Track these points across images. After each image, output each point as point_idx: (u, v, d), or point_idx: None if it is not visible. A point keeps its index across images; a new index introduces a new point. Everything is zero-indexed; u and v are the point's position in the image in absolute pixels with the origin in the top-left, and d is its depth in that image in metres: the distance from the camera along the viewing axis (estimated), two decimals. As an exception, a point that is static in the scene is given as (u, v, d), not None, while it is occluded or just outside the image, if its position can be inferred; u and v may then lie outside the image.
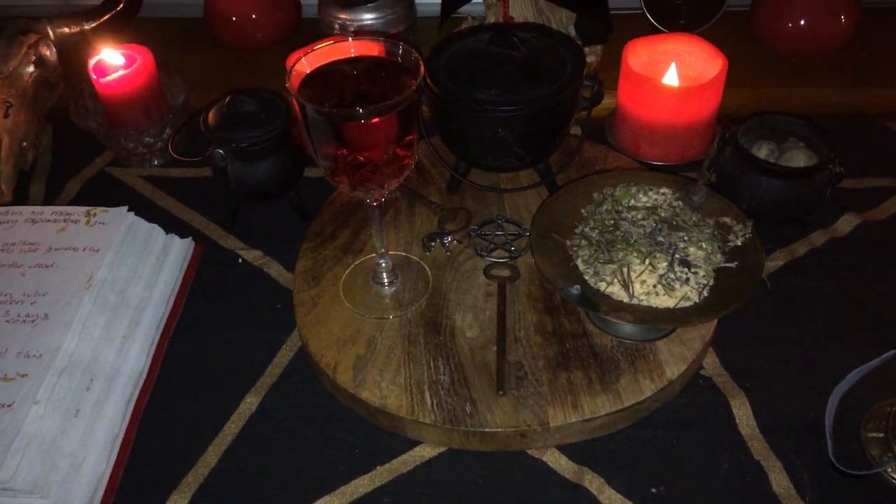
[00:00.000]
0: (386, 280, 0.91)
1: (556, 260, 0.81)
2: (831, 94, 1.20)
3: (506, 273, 0.92)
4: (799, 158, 0.91)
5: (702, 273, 0.79)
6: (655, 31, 1.27)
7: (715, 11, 1.24)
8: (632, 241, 0.80)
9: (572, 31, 1.22)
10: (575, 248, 0.83)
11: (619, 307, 0.76)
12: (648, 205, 0.85)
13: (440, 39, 0.98)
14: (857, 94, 1.20)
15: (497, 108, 0.88)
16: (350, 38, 0.78)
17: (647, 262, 0.78)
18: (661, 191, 0.87)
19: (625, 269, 0.78)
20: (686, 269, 0.78)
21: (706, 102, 1.04)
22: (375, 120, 0.72)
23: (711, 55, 1.06)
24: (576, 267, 0.81)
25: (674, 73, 1.06)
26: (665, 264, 0.78)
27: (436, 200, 1.02)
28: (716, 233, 0.82)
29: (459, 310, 0.89)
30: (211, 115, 0.99)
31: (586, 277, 0.80)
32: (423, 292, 0.91)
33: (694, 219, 0.83)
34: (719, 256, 0.81)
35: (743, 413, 0.81)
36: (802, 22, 1.22)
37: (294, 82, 0.74)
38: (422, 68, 0.74)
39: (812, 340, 0.87)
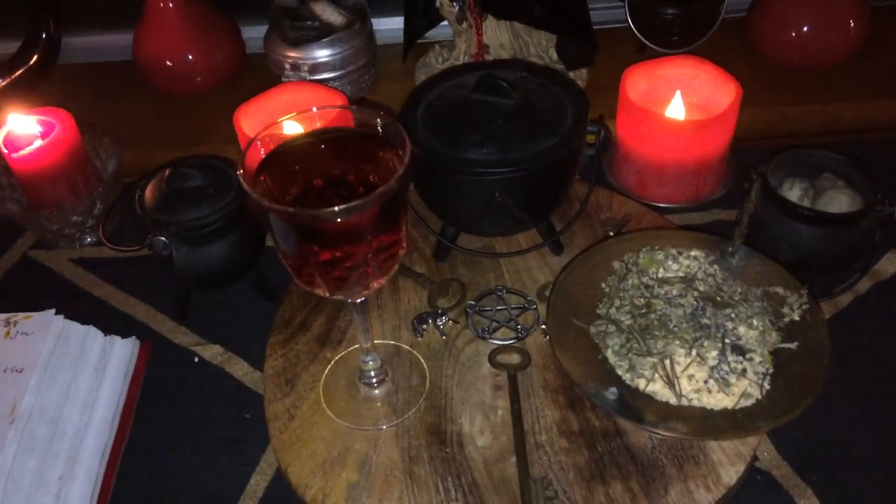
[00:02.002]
0: (375, 379, 0.77)
1: (582, 354, 0.68)
2: (843, 109, 1.09)
3: (515, 359, 0.78)
4: (840, 200, 0.79)
5: (758, 359, 0.66)
6: (644, 48, 1.14)
7: (710, 24, 1.11)
8: (671, 326, 0.67)
9: (553, 56, 1.09)
10: (601, 335, 0.69)
11: (667, 414, 0.63)
12: (681, 274, 0.72)
13: (414, 88, 0.83)
14: (873, 107, 1.08)
15: (493, 171, 0.74)
16: (315, 109, 0.63)
17: (694, 352, 0.65)
18: (692, 254, 0.74)
19: (668, 363, 0.65)
20: (741, 358, 0.65)
21: (719, 136, 0.91)
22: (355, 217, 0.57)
23: (720, 80, 0.93)
24: (605, 360, 0.68)
25: (679, 103, 0.93)
26: (715, 353, 0.65)
27: (422, 272, 0.88)
28: (766, 306, 0.69)
29: (465, 410, 0.75)
30: (148, 192, 0.83)
31: (619, 373, 0.67)
32: (420, 391, 0.76)
33: (739, 291, 0.70)
34: (774, 335, 0.68)
35: (813, 515, 0.69)
36: (806, 29, 1.10)
37: (248, 171, 0.59)
38: (408, 143, 0.60)
39: (879, 414, 0.75)
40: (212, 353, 0.85)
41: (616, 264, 0.74)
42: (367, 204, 0.56)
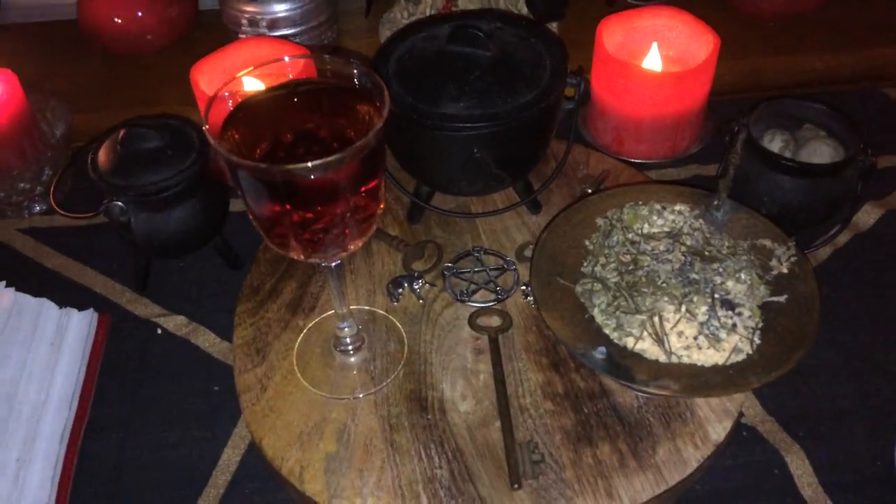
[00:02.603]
0: (351, 346, 0.73)
1: (568, 314, 0.65)
2: (816, 59, 1.07)
3: (496, 322, 0.75)
4: (823, 151, 0.77)
5: (747, 313, 0.64)
6: (613, 0, 1.11)
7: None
8: (659, 283, 0.64)
9: (523, 9, 1.05)
10: (587, 294, 0.67)
11: (657, 372, 0.61)
12: (667, 229, 0.70)
13: (384, 41, 0.79)
14: (847, 57, 1.07)
15: (472, 126, 0.70)
16: (287, 58, 0.59)
17: (684, 308, 0.63)
18: (677, 208, 0.72)
19: (657, 320, 0.63)
20: (730, 313, 0.63)
21: (697, 88, 0.88)
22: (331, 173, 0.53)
23: (698, 31, 0.90)
24: (592, 320, 0.65)
25: (656, 54, 0.91)
26: (705, 308, 0.63)
27: (396, 234, 0.84)
28: (754, 259, 0.67)
29: (446, 376, 0.72)
30: (101, 155, 0.78)
31: (607, 332, 0.64)
32: (399, 357, 0.73)
33: (726, 245, 0.68)
34: (763, 289, 0.66)
35: (801, 471, 0.68)
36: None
37: (213, 124, 0.54)
38: (386, 94, 0.56)
39: (862, 368, 0.74)
40: (175, 323, 0.81)
41: (599, 221, 0.72)
42: (344, 159, 0.53)
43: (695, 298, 0.64)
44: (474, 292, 0.78)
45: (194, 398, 0.75)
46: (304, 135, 0.59)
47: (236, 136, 0.57)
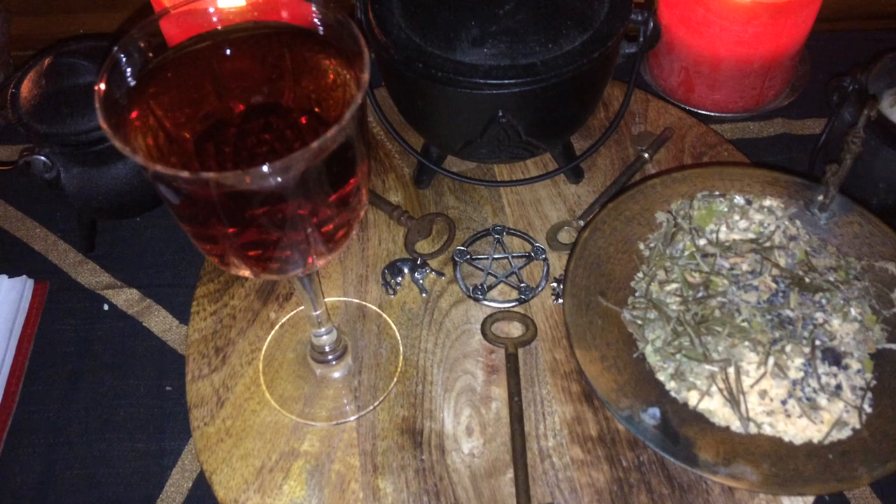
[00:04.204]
0: (330, 355, 0.58)
1: (611, 350, 0.49)
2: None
3: (516, 330, 0.59)
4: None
5: (856, 366, 0.47)
6: None
7: None
8: (739, 320, 0.47)
9: None
10: (639, 324, 0.50)
11: (730, 450, 0.45)
12: (751, 235, 0.52)
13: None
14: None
15: (496, 82, 0.52)
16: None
17: (771, 360, 0.46)
18: (766, 204, 0.54)
19: (731, 372, 0.46)
20: (834, 368, 0.46)
21: (798, 25, 0.68)
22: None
23: (805, -54, 0.69)
24: (643, 361, 0.49)
25: (747, -25, 0.70)
26: (801, 361, 0.46)
27: (398, 201, 0.67)
28: (868, 286, 0.50)
29: (449, 401, 0.57)
30: (24, 89, 0.61)
31: (661, 378, 0.48)
32: (391, 371, 0.58)
33: (833, 265, 0.50)
34: (878, 330, 0.49)
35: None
36: None
37: (114, 95, 0.37)
38: (366, 57, 0.38)
39: None
40: (126, 299, 0.66)
41: (661, 216, 0.54)
42: (298, 162, 0.35)
43: (787, 347, 0.47)
44: (491, 287, 0.62)
45: (141, 399, 0.61)
46: (260, 107, 0.42)
47: (156, 111, 0.40)
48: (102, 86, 0.36)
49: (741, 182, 0.55)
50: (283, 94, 0.43)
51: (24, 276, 0.66)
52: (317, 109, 0.42)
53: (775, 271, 0.49)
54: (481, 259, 0.63)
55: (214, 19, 0.41)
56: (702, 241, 0.52)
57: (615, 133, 0.69)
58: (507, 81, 0.52)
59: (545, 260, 0.62)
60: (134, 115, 0.39)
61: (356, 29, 0.39)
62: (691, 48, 0.70)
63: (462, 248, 0.63)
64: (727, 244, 0.51)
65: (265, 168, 0.34)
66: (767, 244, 0.51)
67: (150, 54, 0.39)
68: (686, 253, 0.51)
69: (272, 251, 0.41)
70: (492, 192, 0.67)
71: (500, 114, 0.54)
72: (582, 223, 0.63)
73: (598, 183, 0.67)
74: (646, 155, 0.67)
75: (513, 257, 0.63)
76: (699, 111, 0.73)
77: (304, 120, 0.43)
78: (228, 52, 0.42)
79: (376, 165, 0.70)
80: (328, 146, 0.36)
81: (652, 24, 0.57)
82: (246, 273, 0.43)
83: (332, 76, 0.41)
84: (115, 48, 0.37)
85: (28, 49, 0.84)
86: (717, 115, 0.73)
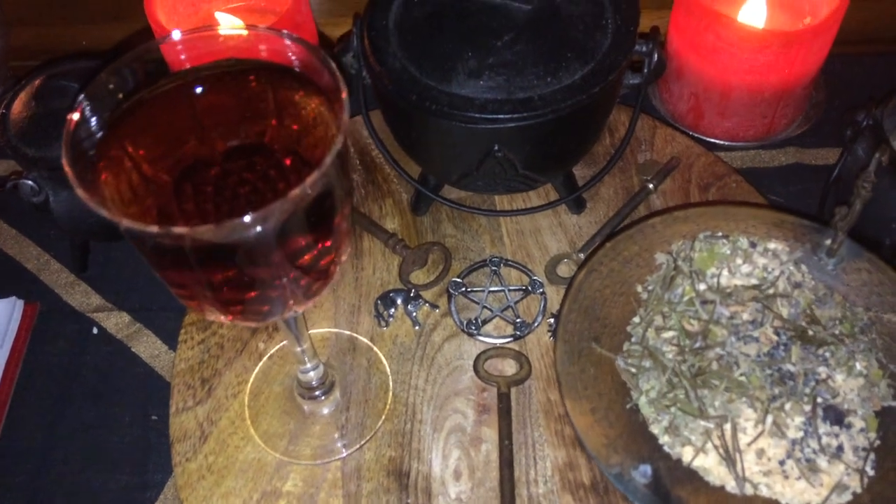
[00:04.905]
0: (317, 391, 0.56)
1: (603, 401, 0.47)
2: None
3: (510, 368, 0.58)
4: None
5: (859, 425, 0.45)
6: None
7: None
8: (737, 374, 0.45)
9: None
10: (633, 372, 0.48)
11: (724, 516, 0.43)
12: (754, 280, 0.50)
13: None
14: None
15: (492, 116, 0.50)
16: (175, 35, 0.39)
17: (770, 418, 0.44)
18: (771, 247, 0.51)
19: (728, 429, 0.44)
20: (836, 427, 0.44)
21: (812, 54, 0.66)
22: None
23: (822, -30, 0.66)
24: (636, 412, 0.47)
25: (761, 3, 0.67)
26: (801, 420, 0.44)
27: (394, 228, 0.65)
28: (875, 339, 0.48)
29: (438, 442, 0.55)
30: (14, 110, 0.59)
31: (655, 431, 0.46)
32: (380, 408, 0.57)
33: (840, 316, 0.48)
34: (884, 386, 0.47)
35: None
36: None
37: (79, 135, 0.36)
38: (344, 98, 0.36)
39: None
40: (116, 322, 0.65)
41: (661, 258, 0.52)
42: (283, 208, 0.34)
43: (787, 405, 0.44)
44: (486, 322, 0.60)
45: (127, 429, 0.60)
46: (238, 148, 0.40)
47: (131, 150, 0.39)
48: (69, 132, 0.35)
49: (746, 223, 0.53)
50: (265, 132, 0.42)
51: (14, 298, 0.66)
52: (299, 149, 0.40)
53: (777, 322, 0.47)
54: (477, 291, 0.61)
55: (185, 55, 0.39)
56: (702, 286, 0.50)
57: (620, 161, 0.67)
58: (502, 116, 0.50)
59: (542, 294, 0.60)
60: (107, 157, 0.38)
61: (334, 67, 0.37)
62: (701, 75, 0.68)
63: (458, 279, 0.62)
64: (728, 290, 0.49)
65: (241, 220, 0.32)
66: (770, 291, 0.49)
67: (120, 95, 0.38)
68: (685, 298, 0.49)
69: (249, 299, 0.39)
70: (490, 220, 0.65)
71: (497, 148, 0.52)
72: (582, 256, 0.61)
73: (601, 213, 0.65)
74: (651, 185, 0.65)
75: (509, 290, 0.61)
76: (708, 139, 0.71)
77: (287, 161, 0.42)
78: (207, 90, 0.41)
79: (373, 190, 0.68)
80: (307, 194, 0.35)
81: (656, 56, 0.55)
82: (222, 320, 0.41)
83: (313, 115, 0.40)
84: (82, 95, 0.36)
85: (29, 59, 0.83)
86: (727, 143, 0.71)
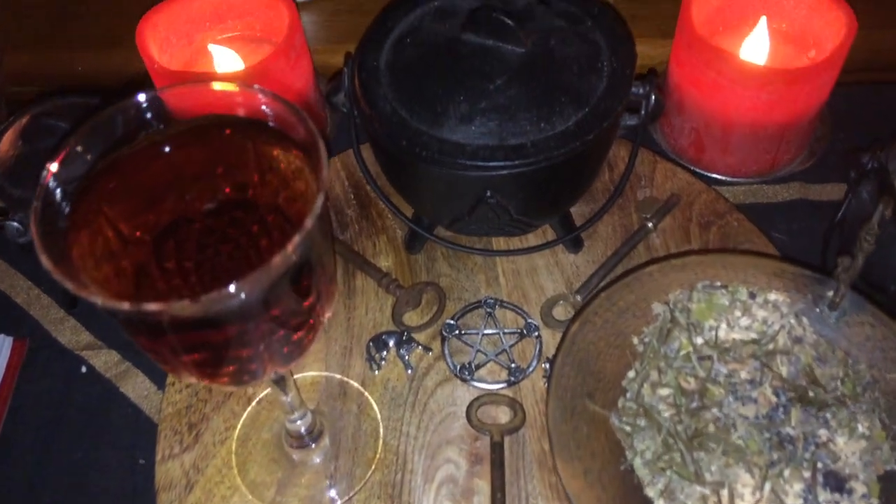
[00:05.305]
0: (305, 440, 0.55)
1: (596, 462, 0.45)
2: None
3: (504, 416, 0.56)
4: None
5: (860, 491, 0.43)
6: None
7: None
8: (734, 437, 0.44)
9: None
10: (628, 431, 0.46)
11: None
12: (754, 335, 0.48)
13: (383, 9, 0.56)
14: None
15: (484, 164, 0.49)
16: (140, 98, 0.38)
17: (768, 485, 0.42)
18: (771, 298, 0.50)
19: (724, 495, 0.43)
20: (837, 495, 0.43)
21: (816, 91, 0.64)
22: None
23: (824, 1, 0.65)
24: (631, 473, 0.45)
25: (763, 33, 0.66)
26: (800, 487, 0.43)
27: (388, 266, 0.64)
28: (879, 397, 0.46)
29: (429, 493, 0.54)
30: (1, 149, 0.58)
31: (650, 494, 0.45)
32: (370, 457, 0.55)
33: (842, 375, 0.46)
34: (887, 449, 0.45)
35: None
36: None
37: (38, 222, 0.35)
38: (322, 158, 0.35)
39: None
40: (105, 360, 0.64)
41: (658, 308, 0.50)
42: (261, 279, 0.33)
43: (786, 471, 0.43)
44: (480, 366, 0.59)
45: (114, 472, 0.59)
46: (220, 204, 0.39)
47: (109, 215, 0.38)
48: (39, 198, 0.34)
49: (745, 272, 0.51)
50: (246, 188, 0.41)
51: (2, 335, 0.65)
52: (281, 204, 0.39)
53: (776, 382, 0.46)
54: (471, 334, 0.60)
55: (155, 113, 0.38)
56: (699, 340, 0.48)
57: (619, 198, 0.65)
58: (494, 164, 0.48)
59: (538, 338, 0.59)
60: (83, 220, 0.37)
61: (312, 127, 0.36)
62: (702, 110, 0.66)
63: (451, 321, 0.60)
64: (726, 345, 0.48)
65: (219, 293, 0.31)
66: (770, 347, 0.47)
67: (94, 156, 0.37)
68: (682, 353, 0.48)
69: (225, 365, 0.38)
70: (486, 259, 0.64)
71: (489, 194, 0.50)
72: (579, 298, 0.60)
73: (599, 252, 0.63)
74: (650, 224, 0.64)
75: (504, 333, 0.60)
76: (710, 174, 0.69)
77: (269, 217, 0.41)
78: (185, 146, 0.39)
79: (368, 226, 0.67)
80: (289, 260, 0.33)
81: (654, 98, 0.54)
82: (197, 382, 0.40)
83: (293, 169, 0.39)
84: (54, 164, 0.35)
85: (25, 85, 0.83)
86: (729, 179, 0.69)
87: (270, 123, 0.38)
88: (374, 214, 0.67)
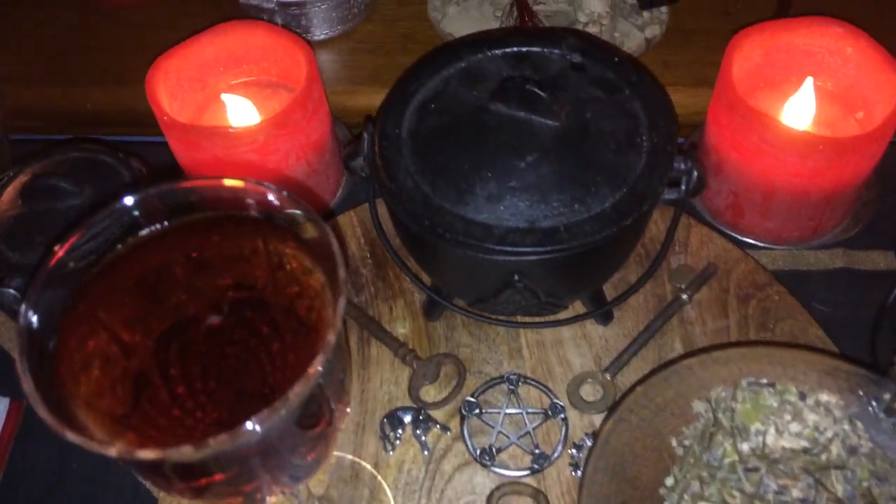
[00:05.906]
0: (315, 529, 0.52)
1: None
2: None
3: (525, 508, 0.52)
4: None
5: None
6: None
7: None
8: (784, 563, 0.40)
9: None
10: (665, 548, 0.43)
11: None
12: (805, 443, 0.44)
13: (404, 74, 0.53)
14: None
15: (512, 249, 0.45)
16: (128, 201, 0.34)
17: None
18: (822, 399, 0.46)
19: None
20: None
21: (864, 160, 0.60)
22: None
23: (877, 64, 0.61)
24: None
25: (809, 93, 0.62)
26: None
27: (404, 333, 0.61)
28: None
29: (444, 592, 0.50)
30: (2, 205, 0.55)
31: None
32: (382, 549, 0.52)
33: (899, 493, 0.42)
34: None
35: None
36: None
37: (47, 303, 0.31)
38: (341, 270, 0.31)
39: None
40: (106, 426, 0.60)
41: (698, 406, 0.47)
42: (263, 423, 0.29)
43: None
44: (501, 450, 0.55)
45: (111, 550, 0.56)
46: (234, 302, 0.36)
47: (103, 317, 0.34)
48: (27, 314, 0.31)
49: (794, 369, 0.47)
50: (255, 286, 0.37)
51: (-3, 398, 0.61)
52: (293, 303, 0.36)
53: (832, 497, 0.42)
54: (492, 413, 0.56)
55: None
56: (745, 446, 0.45)
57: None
58: (524, 249, 0.45)
59: (564, 419, 0.55)
60: (74, 332, 0.33)
61: (325, 228, 0.33)
62: (742, 174, 0.63)
63: (471, 398, 0.57)
64: (775, 455, 0.44)
65: (224, 437, 0.28)
66: (823, 457, 0.43)
67: (86, 263, 0.33)
68: (726, 461, 0.44)
69: (229, 497, 0.34)
70: (510, 329, 0.60)
71: (517, 278, 0.47)
72: (608, 376, 0.56)
73: (629, 325, 0.60)
74: (684, 296, 0.60)
75: (528, 413, 0.56)
76: (748, 239, 0.65)
77: (280, 317, 0.37)
78: (187, 244, 0.36)
79: (384, 288, 0.63)
80: (293, 405, 0.30)
81: (695, 175, 0.50)
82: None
83: (307, 269, 0.35)
84: (33, 279, 0.31)
85: (31, 120, 0.80)
86: (768, 245, 0.65)
87: (280, 222, 0.35)
88: (392, 276, 0.64)
